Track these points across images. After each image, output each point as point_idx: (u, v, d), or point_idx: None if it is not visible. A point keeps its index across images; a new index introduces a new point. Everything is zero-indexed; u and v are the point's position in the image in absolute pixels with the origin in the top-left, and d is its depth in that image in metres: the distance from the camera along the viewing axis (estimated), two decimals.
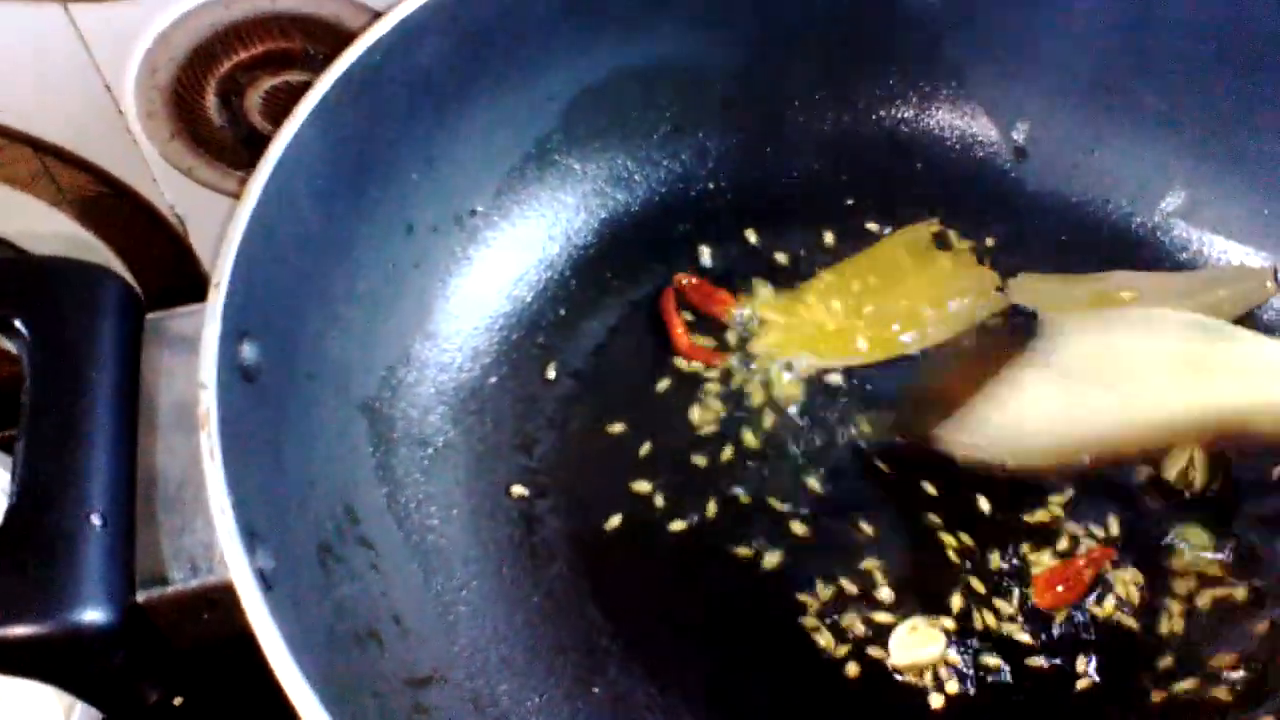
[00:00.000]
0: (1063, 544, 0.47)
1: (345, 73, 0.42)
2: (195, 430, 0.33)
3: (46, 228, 0.58)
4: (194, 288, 0.63)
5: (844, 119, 0.59)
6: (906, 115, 0.59)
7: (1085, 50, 0.56)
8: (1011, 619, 0.46)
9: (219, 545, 0.31)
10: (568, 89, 0.53)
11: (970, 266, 0.55)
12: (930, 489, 0.49)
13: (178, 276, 0.62)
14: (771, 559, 0.47)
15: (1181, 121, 0.55)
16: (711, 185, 0.58)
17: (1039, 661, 0.45)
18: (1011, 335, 0.53)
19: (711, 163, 0.58)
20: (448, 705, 0.41)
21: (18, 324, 0.33)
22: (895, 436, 0.50)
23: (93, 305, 0.35)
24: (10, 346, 0.34)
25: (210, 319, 0.34)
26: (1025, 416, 0.50)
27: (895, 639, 0.45)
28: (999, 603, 0.46)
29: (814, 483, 0.49)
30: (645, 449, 0.50)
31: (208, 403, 0.32)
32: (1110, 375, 0.50)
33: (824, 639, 0.45)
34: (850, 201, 0.58)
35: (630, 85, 0.55)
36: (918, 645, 0.45)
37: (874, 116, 0.59)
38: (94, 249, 0.60)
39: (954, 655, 0.45)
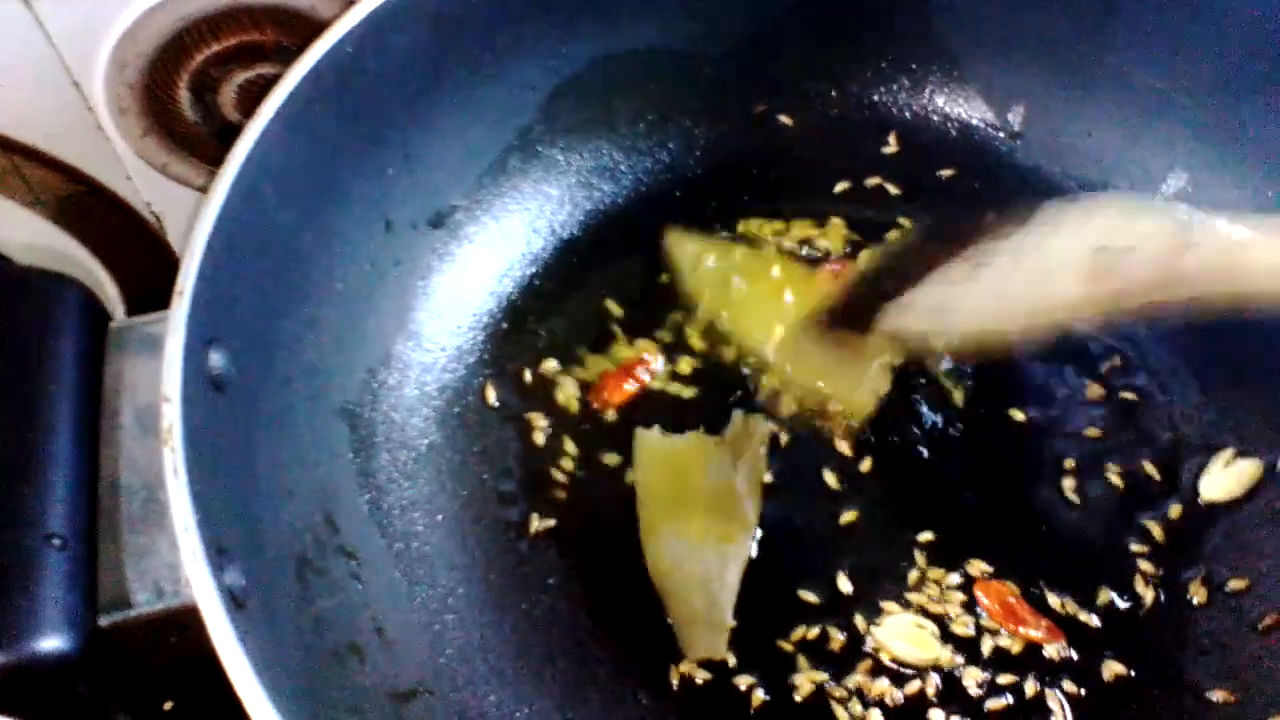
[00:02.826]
0: None
1: (315, 66, 0.41)
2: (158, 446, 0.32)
3: (19, 228, 0.56)
4: (173, 285, 0.62)
5: (835, 104, 0.58)
6: (900, 100, 0.57)
7: (1080, 31, 0.54)
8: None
9: (184, 565, 0.29)
10: (548, 78, 0.52)
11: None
12: None
13: (156, 274, 0.61)
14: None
15: (1181, 102, 0.54)
16: (699, 173, 0.56)
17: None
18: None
19: (699, 151, 0.57)
20: (434, 719, 0.40)
21: None
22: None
23: (51, 316, 0.33)
24: None
25: (174, 328, 0.33)
26: (952, 301, 0.47)
27: (889, 625, 0.45)
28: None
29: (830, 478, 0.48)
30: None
31: (171, 417, 0.31)
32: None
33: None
34: (843, 187, 0.56)
35: (614, 73, 0.53)
36: (914, 642, 0.45)
37: (866, 101, 0.58)
38: (69, 249, 0.58)
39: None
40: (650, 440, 0.48)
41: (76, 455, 0.32)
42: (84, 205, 0.57)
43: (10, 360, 0.32)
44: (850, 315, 0.51)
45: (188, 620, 0.30)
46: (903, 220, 0.55)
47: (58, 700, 0.30)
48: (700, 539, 0.45)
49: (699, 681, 0.43)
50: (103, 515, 0.32)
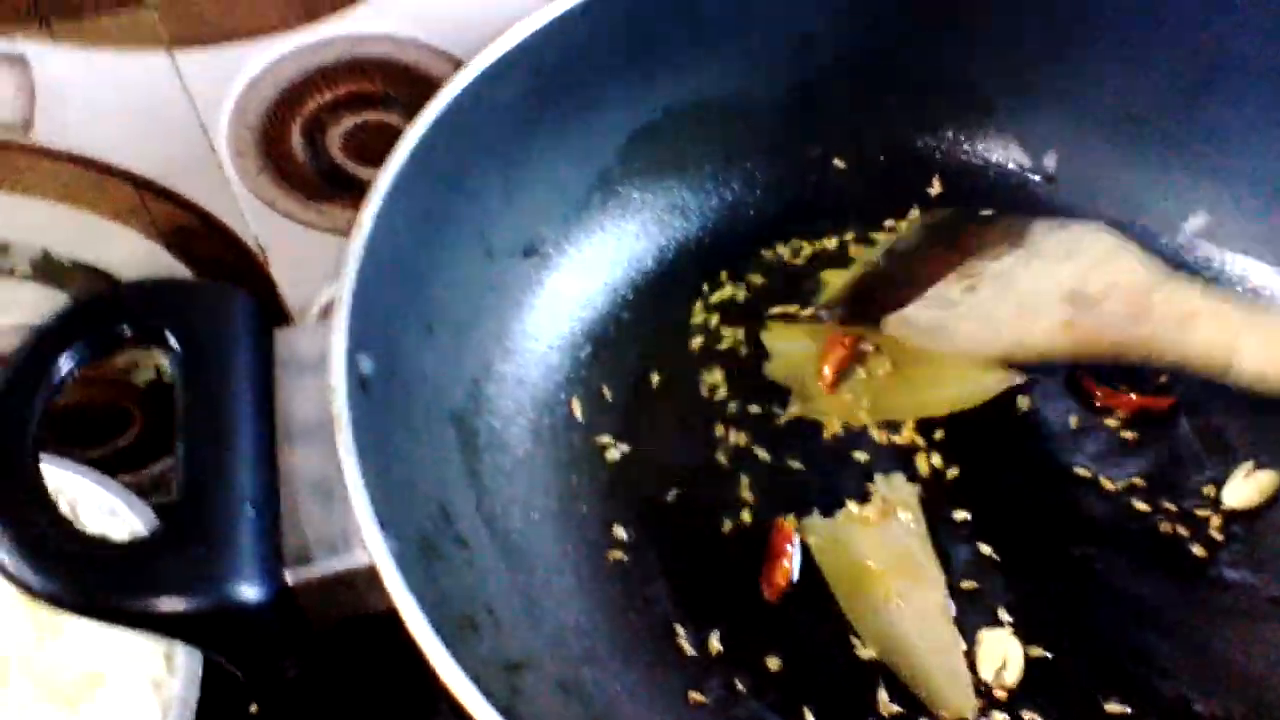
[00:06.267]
0: None
1: (437, 117, 0.47)
2: (318, 439, 0.37)
3: (140, 258, 0.62)
4: (273, 313, 0.67)
5: (883, 149, 0.63)
6: (943, 145, 0.63)
7: (1106, 83, 0.59)
8: None
9: (355, 531, 0.34)
10: (625, 126, 0.58)
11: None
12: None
13: (259, 301, 0.66)
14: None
15: (1199, 148, 0.59)
16: (761, 210, 0.62)
17: None
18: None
19: (760, 190, 0.62)
20: (539, 688, 0.44)
21: (169, 336, 0.37)
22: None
23: (231, 320, 0.39)
24: (161, 360, 0.38)
25: (337, 331, 0.38)
26: (945, 324, 0.53)
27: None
28: None
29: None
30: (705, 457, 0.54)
31: (339, 405, 0.36)
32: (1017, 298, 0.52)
33: None
34: (890, 223, 0.61)
35: (683, 121, 0.59)
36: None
37: (911, 146, 0.63)
38: (179, 274, 0.63)
39: None
40: (819, 528, 0.51)
41: (259, 436, 0.37)
42: (198, 237, 0.62)
43: (201, 356, 0.37)
44: (858, 310, 0.56)
45: (355, 579, 0.35)
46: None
47: (247, 642, 0.34)
48: (899, 604, 0.49)
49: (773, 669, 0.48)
50: (283, 488, 0.37)
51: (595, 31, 0.53)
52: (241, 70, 0.56)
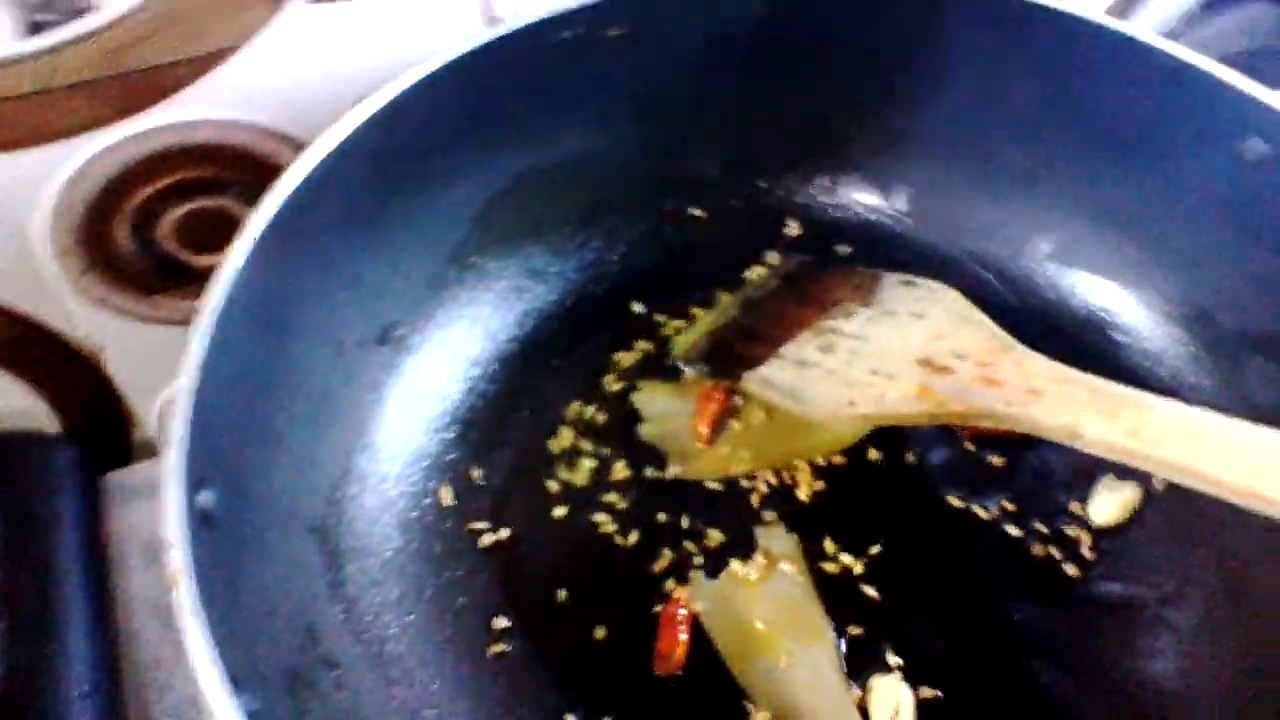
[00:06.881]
0: None
1: (277, 208, 0.44)
2: (160, 574, 0.34)
3: None
4: (112, 413, 0.63)
5: (739, 196, 0.63)
6: (796, 188, 0.63)
7: (954, 122, 0.60)
8: None
9: (204, 700, 0.32)
10: (478, 196, 0.56)
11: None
12: None
13: (96, 404, 0.62)
14: None
15: (1045, 177, 0.60)
16: (623, 267, 0.61)
17: None
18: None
19: (622, 247, 0.61)
20: None
21: None
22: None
23: (51, 476, 0.35)
24: None
25: (168, 476, 0.35)
26: (802, 386, 0.53)
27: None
28: None
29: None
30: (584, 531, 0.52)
31: (176, 561, 0.34)
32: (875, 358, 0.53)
33: None
34: (751, 271, 0.61)
35: (537, 184, 0.57)
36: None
37: (766, 190, 0.63)
38: (11, 389, 0.59)
39: None
40: (705, 592, 0.51)
41: (92, 607, 0.34)
42: (27, 346, 0.58)
43: (16, 528, 0.34)
44: (717, 365, 0.56)
45: None
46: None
47: None
48: (789, 662, 0.49)
49: None
50: (123, 658, 0.34)
51: (440, 106, 0.51)
52: (58, 170, 0.52)
